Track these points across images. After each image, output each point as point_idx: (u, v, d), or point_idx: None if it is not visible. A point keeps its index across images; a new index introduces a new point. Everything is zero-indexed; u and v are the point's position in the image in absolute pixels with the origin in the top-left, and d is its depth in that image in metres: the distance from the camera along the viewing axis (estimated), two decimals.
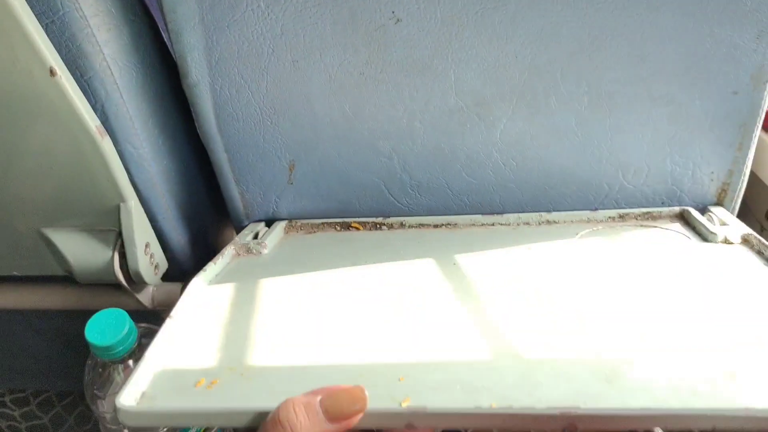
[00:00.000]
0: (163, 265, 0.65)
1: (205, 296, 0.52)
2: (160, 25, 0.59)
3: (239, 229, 0.67)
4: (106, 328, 0.54)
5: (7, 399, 0.87)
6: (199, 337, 0.46)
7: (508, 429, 0.35)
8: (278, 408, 0.35)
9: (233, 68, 0.56)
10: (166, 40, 0.60)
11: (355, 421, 0.35)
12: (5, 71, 0.49)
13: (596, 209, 0.63)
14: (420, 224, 0.64)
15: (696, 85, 0.54)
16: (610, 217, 0.62)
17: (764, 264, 0.51)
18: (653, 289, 0.48)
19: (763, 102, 0.55)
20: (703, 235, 0.57)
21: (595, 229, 0.60)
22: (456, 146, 0.59)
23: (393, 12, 0.52)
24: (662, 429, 0.36)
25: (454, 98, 0.56)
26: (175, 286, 0.67)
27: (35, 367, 0.84)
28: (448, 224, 0.64)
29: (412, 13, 0.52)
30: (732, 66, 0.53)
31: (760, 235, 0.52)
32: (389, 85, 0.56)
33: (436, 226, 0.64)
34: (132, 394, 0.38)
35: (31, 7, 0.47)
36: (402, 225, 0.65)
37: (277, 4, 0.53)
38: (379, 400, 0.36)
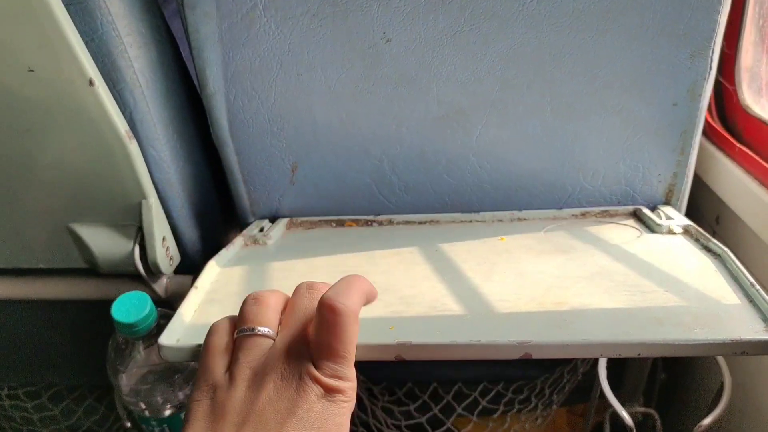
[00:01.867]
0: (177, 257, 0.72)
1: (220, 275, 0.60)
2: (181, 44, 0.68)
3: (244, 226, 0.74)
4: (130, 308, 0.60)
5: (20, 392, 0.93)
6: (219, 301, 0.54)
7: (478, 358, 0.43)
8: None
9: (246, 81, 0.64)
10: (185, 56, 0.69)
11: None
12: (50, 80, 0.56)
13: (561, 208, 0.71)
14: (406, 221, 0.72)
15: (642, 96, 0.63)
16: (573, 215, 0.70)
17: (699, 248, 0.60)
18: (602, 264, 0.57)
19: (699, 112, 0.63)
20: (651, 228, 0.66)
21: (559, 225, 0.69)
22: (438, 150, 0.68)
23: (384, 33, 0.61)
24: (600, 356, 0.44)
25: (436, 108, 0.65)
26: (186, 278, 0.74)
27: (48, 361, 0.90)
28: (432, 221, 0.72)
29: (399, 34, 0.61)
30: (671, 81, 0.62)
31: (712, 237, 0.60)
32: (380, 96, 0.64)
33: (420, 222, 0.72)
34: (170, 336, 0.46)
35: (76, 26, 0.54)
36: (390, 222, 0.72)
37: (285, 25, 0.61)
38: (374, 339, 0.44)
